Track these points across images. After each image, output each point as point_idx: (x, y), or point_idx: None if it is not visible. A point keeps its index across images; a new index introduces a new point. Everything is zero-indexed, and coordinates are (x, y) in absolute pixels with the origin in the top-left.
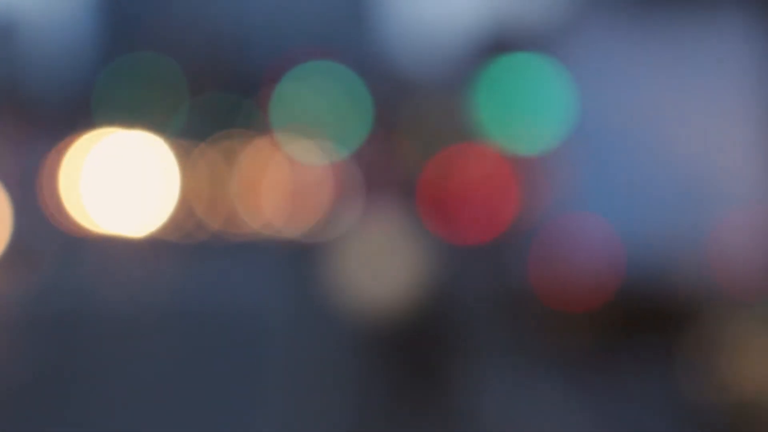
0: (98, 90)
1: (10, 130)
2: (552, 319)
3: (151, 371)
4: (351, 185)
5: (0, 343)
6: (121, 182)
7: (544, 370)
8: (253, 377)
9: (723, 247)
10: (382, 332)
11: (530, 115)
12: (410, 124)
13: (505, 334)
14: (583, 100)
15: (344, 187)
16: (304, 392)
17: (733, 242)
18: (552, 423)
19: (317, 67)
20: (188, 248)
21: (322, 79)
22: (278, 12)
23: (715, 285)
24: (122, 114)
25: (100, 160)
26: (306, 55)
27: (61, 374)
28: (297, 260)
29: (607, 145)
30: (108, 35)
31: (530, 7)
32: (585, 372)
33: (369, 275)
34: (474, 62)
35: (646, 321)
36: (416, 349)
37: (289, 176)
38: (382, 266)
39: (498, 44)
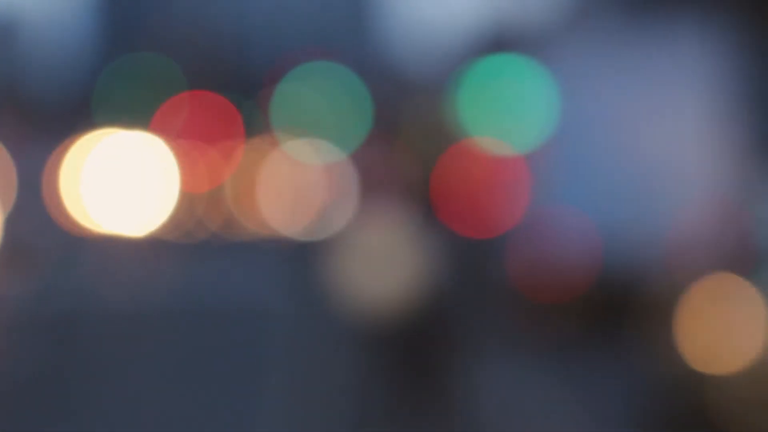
0: (98, 90)
1: (10, 130)
2: (535, 311)
3: (152, 371)
4: (351, 185)
5: (0, 343)
6: (121, 182)
7: (530, 359)
8: (253, 376)
9: (684, 239)
10: (381, 331)
11: (516, 115)
12: (410, 123)
13: (494, 327)
14: (564, 101)
15: (344, 187)
16: (305, 392)
17: (694, 234)
18: (543, 405)
19: (317, 67)
20: (188, 248)
21: (323, 80)
22: (278, 12)
23: (677, 275)
24: (122, 114)
25: (100, 159)
26: (306, 56)
27: (61, 374)
28: (297, 260)
29: (584, 144)
30: (108, 35)
31: (523, 9)
32: (567, 359)
33: (369, 274)
34: (469, 62)
35: (621, 310)
36: (415, 346)
37: (289, 176)
38: (381, 265)
39: (493, 45)
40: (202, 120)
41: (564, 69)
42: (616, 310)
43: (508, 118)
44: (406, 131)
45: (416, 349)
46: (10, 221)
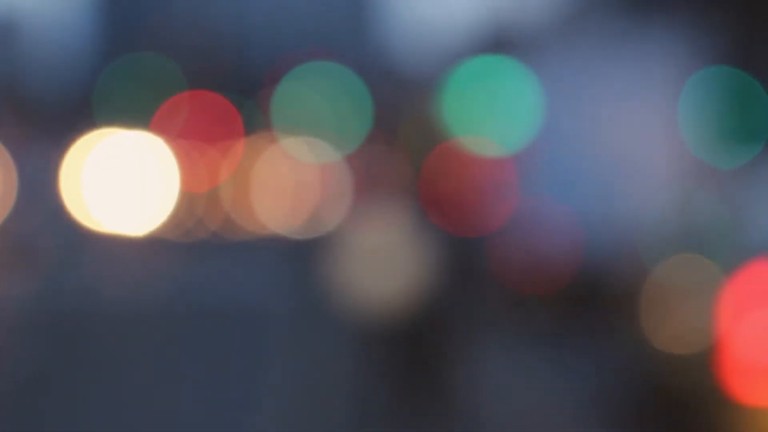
0: (98, 90)
1: (10, 130)
2: (520, 302)
3: (152, 369)
4: (350, 184)
5: (1, 342)
6: (121, 181)
7: (518, 347)
8: (253, 376)
9: (650, 233)
10: (380, 329)
11: (502, 115)
12: (408, 123)
13: (486, 319)
14: (548, 103)
15: (342, 186)
16: (305, 391)
17: (660, 223)
18: (533, 387)
19: (317, 67)
20: (188, 247)
21: (322, 80)
22: (278, 12)
23: (646, 264)
24: (122, 114)
25: (100, 159)
26: (306, 56)
27: (62, 373)
28: (296, 259)
29: (566, 143)
30: (108, 35)
31: (514, 12)
32: (552, 345)
33: (366, 273)
34: (458, 63)
35: (599, 299)
36: (414, 343)
37: (288, 175)
38: (379, 264)
39: (485, 46)
40: (202, 120)
41: (548, 71)
42: (595, 299)
43: (495, 119)
44: (404, 131)
45: (415, 346)
46: (10, 221)
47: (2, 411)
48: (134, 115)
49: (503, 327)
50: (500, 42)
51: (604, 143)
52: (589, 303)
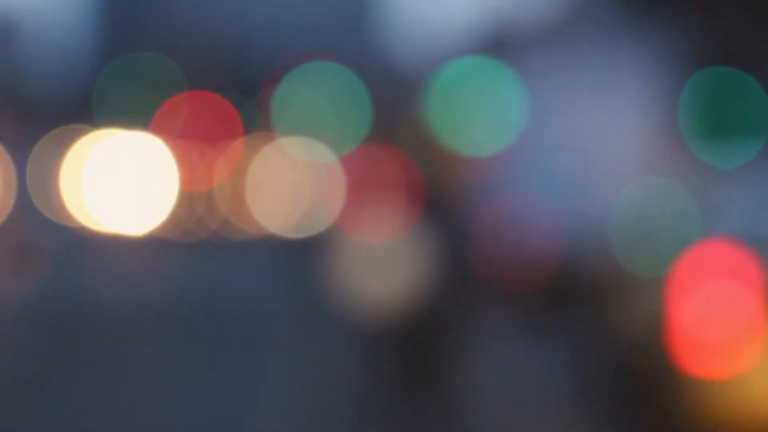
0: (98, 90)
1: (10, 130)
2: (507, 297)
3: (151, 369)
4: (348, 184)
5: (1, 341)
6: (121, 181)
7: (507, 340)
8: (253, 375)
9: (626, 229)
10: (379, 327)
11: (486, 116)
12: (406, 124)
13: (478, 313)
14: (534, 104)
15: (342, 186)
16: (305, 390)
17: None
18: (524, 376)
19: (317, 68)
20: (188, 246)
21: (322, 80)
22: (278, 13)
23: (622, 258)
24: (122, 114)
25: (100, 159)
26: (306, 56)
27: (61, 372)
28: (296, 258)
29: (547, 144)
30: (108, 35)
31: (515, 12)
32: (538, 334)
33: (366, 272)
34: (446, 65)
35: (579, 291)
36: (414, 343)
37: (287, 175)
38: (378, 263)
39: (477, 47)
40: (202, 120)
41: (538, 71)
42: (573, 293)
43: (480, 120)
44: (401, 131)
45: (414, 345)
46: (10, 220)
47: (2, 410)
48: (134, 115)
49: (493, 322)
50: (497, 42)
51: (588, 144)
52: (568, 296)
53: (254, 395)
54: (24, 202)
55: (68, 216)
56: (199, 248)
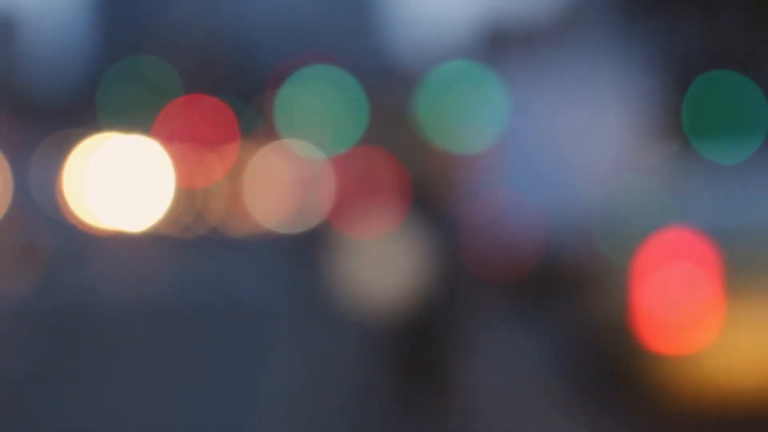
0: (98, 93)
1: (10, 130)
2: (493, 288)
3: (151, 366)
4: (346, 183)
5: (1, 339)
6: (121, 180)
7: (497, 330)
8: (253, 373)
9: (606, 224)
10: (379, 327)
11: (471, 116)
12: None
13: (471, 306)
14: (518, 104)
15: (339, 185)
16: (305, 390)
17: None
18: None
19: (317, 70)
20: (187, 243)
21: (320, 81)
22: (280, 16)
23: (603, 251)
24: (122, 117)
25: (99, 162)
26: (306, 59)
27: (61, 370)
28: (296, 255)
29: (530, 142)
30: (108, 38)
31: (512, 13)
32: (522, 323)
33: (365, 271)
34: (434, 67)
35: (562, 282)
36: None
37: (286, 175)
38: (377, 262)
39: (468, 49)
40: (201, 123)
41: (527, 72)
42: (554, 284)
43: (465, 120)
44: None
45: (414, 344)
46: (10, 219)
47: (1, 408)
48: (134, 118)
49: (482, 313)
50: (491, 42)
51: (571, 142)
52: (551, 286)
53: (254, 394)
54: (24, 201)
55: (70, 213)
56: (197, 245)
